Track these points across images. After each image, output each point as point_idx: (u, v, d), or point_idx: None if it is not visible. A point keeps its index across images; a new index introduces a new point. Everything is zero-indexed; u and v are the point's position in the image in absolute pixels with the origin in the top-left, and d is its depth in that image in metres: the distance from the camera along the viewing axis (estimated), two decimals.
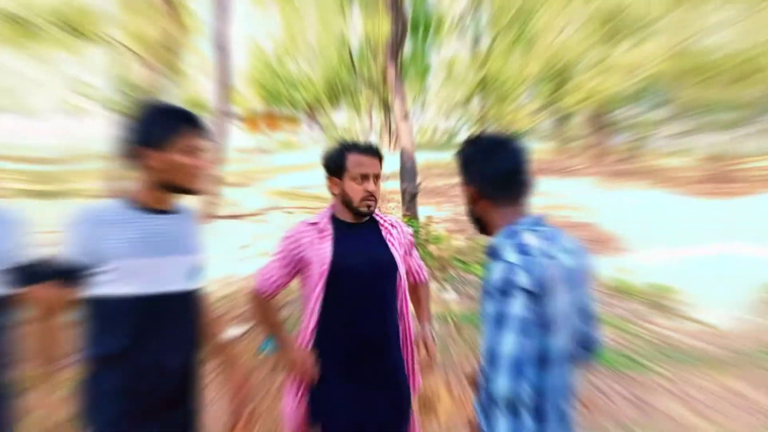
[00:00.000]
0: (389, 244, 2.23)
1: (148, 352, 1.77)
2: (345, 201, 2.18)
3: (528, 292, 1.44)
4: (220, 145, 11.69)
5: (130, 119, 1.79)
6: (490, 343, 1.44)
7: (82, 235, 1.70)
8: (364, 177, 2.14)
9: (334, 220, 2.23)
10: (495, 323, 1.45)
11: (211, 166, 1.89)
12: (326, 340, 2.15)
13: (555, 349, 1.53)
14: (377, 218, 2.29)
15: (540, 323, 1.48)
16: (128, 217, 1.76)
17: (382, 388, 2.16)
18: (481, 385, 1.53)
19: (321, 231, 2.18)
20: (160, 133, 1.74)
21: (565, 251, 1.60)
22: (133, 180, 1.81)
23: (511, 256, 1.48)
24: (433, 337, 2.27)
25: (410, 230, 2.41)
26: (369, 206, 2.17)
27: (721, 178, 22.12)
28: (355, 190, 2.14)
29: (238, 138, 43.98)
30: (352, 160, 2.15)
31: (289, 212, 12.85)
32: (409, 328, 2.30)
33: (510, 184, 1.64)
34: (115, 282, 1.72)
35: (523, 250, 1.49)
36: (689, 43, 26.32)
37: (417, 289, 2.45)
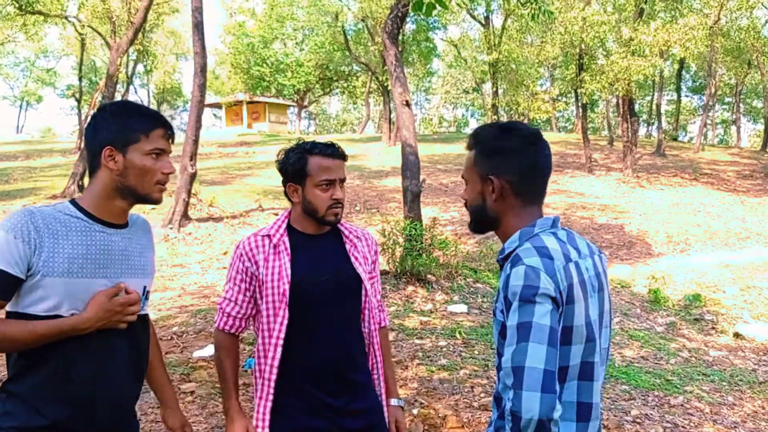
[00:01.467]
0: (353, 259, 2.19)
1: (75, 385, 1.70)
2: (308, 210, 2.13)
3: (552, 300, 1.43)
4: (196, 138, 11.66)
5: (96, 115, 1.79)
6: (515, 357, 1.39)
7: (14, 240, 1.61)
8: (330, 183, 2.09)
9: (291, 231, 2.18)
10: (518, 335, 1.40)
11: (173, 172, 1.89)
12: (286, 370, 2.12)
13: (574, 362, 1.52)
14: (341, 228, 2.24)
15: (562, 334, 1.49)
16: (74, 228, 1.70)
17: (351, 419, 2.14)
18: (502, 408, 1.50)
19: (275, 246, 2.12)
20: (127, 132, 1.74)
21: (583, 255, 1.61)
22: (90, 184, 1.79)
23: (533, 260, 1.46)
24: (403, 412, 2.26)
25: (377, 244, 2.36)
26: (336, 214, 2.13)
27: None
28: (321, 198, 2.09)
29: (217, 130, 43.95)
30: (315, 164, 2.09)
31: (275, 213, 12.86)
32: (378, 350, 2.30)
33: (544, 183, 1.65)
34: (43, 301, 1.64)
35: (544, 253, 1.48)
36: (730, 19, 26.37)
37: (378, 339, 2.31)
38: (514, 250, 1.55)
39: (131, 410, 1.92)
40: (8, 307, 1.67)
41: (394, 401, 2.29)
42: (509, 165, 1.60)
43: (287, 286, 2.08)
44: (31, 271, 1.63)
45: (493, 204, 1.63)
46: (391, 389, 2.30)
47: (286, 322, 2.09)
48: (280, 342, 2.10)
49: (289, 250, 2.13)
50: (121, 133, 1.73)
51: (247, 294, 2.15)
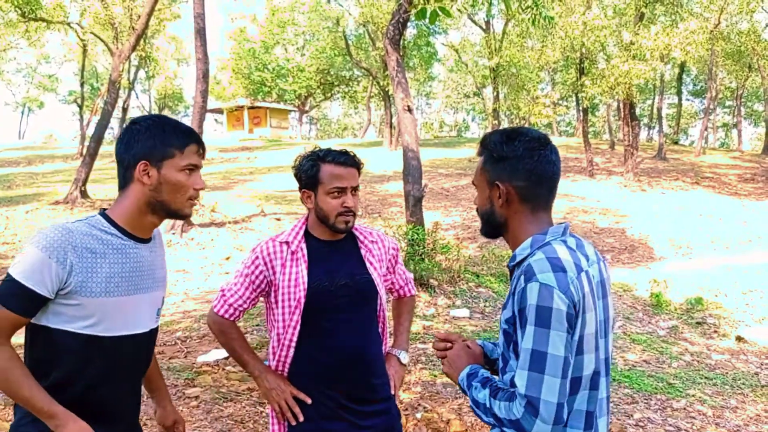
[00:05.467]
0: (368, 264, 2.24)
1: (105, 399, 1.75)
2: (320, 216, 2.17)
3: (569, 315, 1.45)
4: None
5: (130, 128, 1.80)
6: (530, 386, 1.44)
7: (48, 260, 1.60)
8: (341, 191, 2.13)
9: (308, 237, 2.22)
10: (532, 361, 1.45)
11: (205, 188, 1.92)
12: (303, 374, 2.17)
13: (587, 372, 1.54)
14: (356, 233, 2.29)
15: (576, 344, 1.49)
16: (111, 245, 1.71)
17: (368, 420, 2.19)
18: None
19: (293, 252, 2.17)
20: (163, 148, 1.75)
21: (591, 262, 1.61)
22: (121, 197, 1.79)
23: (546, 276, 1.46)
24: (402, 365, 2.34)
25: (394, 243, 2.41)
26: (347, 222, 2.15)
27: None
28: (331, 206, 2.13)
29: (218, 135, 44.04)
30: (327, 171, 2.13)
31: (278, 218, 12.88)
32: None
33: (551, 188, 1.66)
34: (79, 319, 1.66)
35: (557, 266, 1.48)
36: (731, 23, 26.40)
37: (401, 303, 2.54)
38: (526, 257, 1.56)
39: (136, 420, 1.96)
40: (43, 322, 1.67)
41: (394, 350, 2.39)
42: (514, 171, 1.62)
43: (303, 294, 2.12)
44: (66, 291, 1.63)
45: (500, 209, 1.66)
46: (398, 340, 2.43)
47: (298, 327, 2.14)
48: (293, 341, 2.15)
49: (306, 257, 2.17)
50: (157, 148, 1.74)
51: (253, 294, 2.21)
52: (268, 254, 2.17)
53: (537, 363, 1.44)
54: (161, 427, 2.12)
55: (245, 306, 2.23)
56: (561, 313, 1.44)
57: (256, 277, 2.18)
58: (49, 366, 1.69)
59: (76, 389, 1.69)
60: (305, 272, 2.14)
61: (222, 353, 5.41)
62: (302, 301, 2.11)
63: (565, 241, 1.59)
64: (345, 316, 2.17)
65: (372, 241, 2.30)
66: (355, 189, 2.17)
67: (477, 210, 1.75)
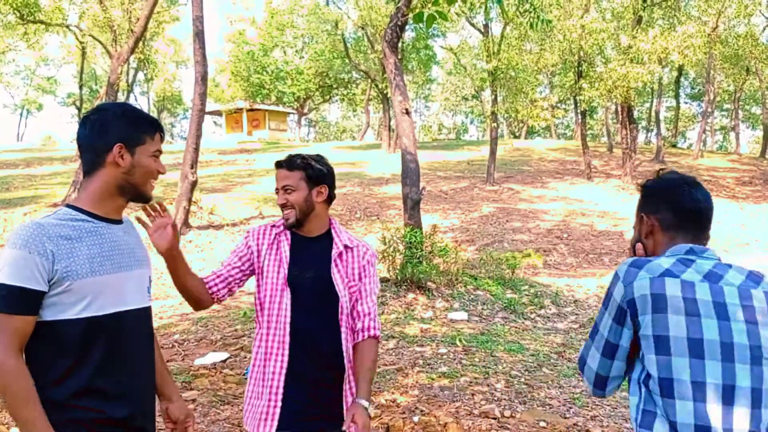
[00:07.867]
0: (333, 266, 2.27)
1: (116, 380, 1.77)
2: None
3: (620, 308, 1.61)
4: (196, 146, 11.66)
5: (101, 115, 1.85)
6: (583, 349, 1.74)
7: (30, 255, 1.64)
8: (277, 191, 2.34)
9: (292, 231, 2.36)
10: (592, 331, 1.71)
11: (165, 172, 2.03)
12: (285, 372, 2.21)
13: (679, 376, 1.49)
14: (333, 235, 2.36)
15: (656, 344, 1.51)
16: (84, 229, 1.76)
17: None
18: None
19: (278, 235, 2.34)
20: (137, 133, 1.85)
21: (714, 278, 1.59)
22: (88, 183, 1.84)
23: (622, 267, 1.64)
24: (367, 413, 2.07)
25: (372, 252, 2.40)
26: (286, 218, 2.29)
27: None
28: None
29: (217, 137, 44.01)
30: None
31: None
32: (351, 366, 2.24)
33: (694, 221, 1.75)
34: (73, 305, 1.69)
35: (636, 264, 1.63)
36: (728, 27, 26.43)
37: (363, 348, 2.23)
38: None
39: (151, 409, 1.98)
40: (41, 317, 1.68)
41: (358, 399, 2.11)
42: (657, 204, 1.79)
43: (287, 272, 2.22)
44: (55, 280, 1.66)
45: (644, 239, 1.83)
46: (361, 390, 2.14)
47: (290, 303, 2.20)
48: (288, 320, 2.20)
49: (290, 241, 2.30)
50: (133, 134, 1.84)
51: (238, 264, 2.30)
52: (260, 233, 2.34)
53: (592, 332, 1.71)
54: (170, 423, 2.08)
55: (231, 274, 2.29)
56: (614, 302, 1.63)
57: (247, 248, 2.31)
58: (52, 359, 1.71)
59: (83, 377, 1.71)
60: (288, 253, 2.27)
61: (220, 356, 5.40)
62: (287, 279, 2.21)
63: (684, 260, 1.63)
64: (305, 316, 2.21)
65: (345, 246, 2.31)
66: (285, 188, 2.29)
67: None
